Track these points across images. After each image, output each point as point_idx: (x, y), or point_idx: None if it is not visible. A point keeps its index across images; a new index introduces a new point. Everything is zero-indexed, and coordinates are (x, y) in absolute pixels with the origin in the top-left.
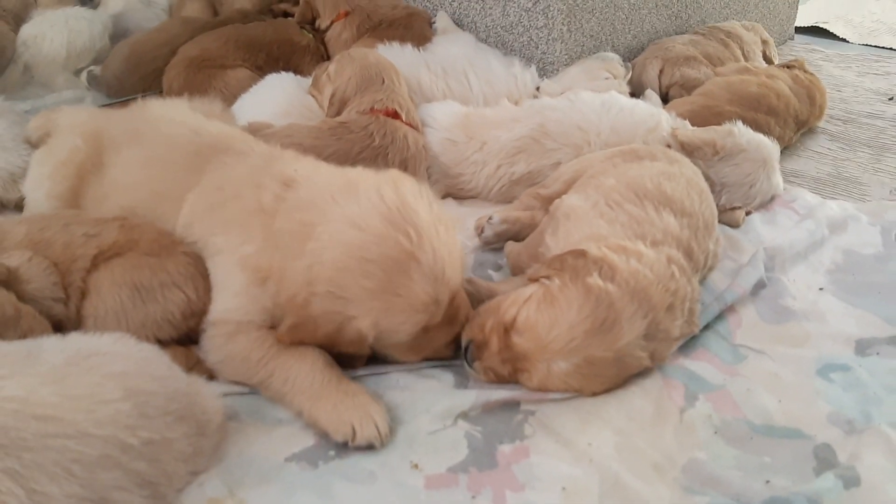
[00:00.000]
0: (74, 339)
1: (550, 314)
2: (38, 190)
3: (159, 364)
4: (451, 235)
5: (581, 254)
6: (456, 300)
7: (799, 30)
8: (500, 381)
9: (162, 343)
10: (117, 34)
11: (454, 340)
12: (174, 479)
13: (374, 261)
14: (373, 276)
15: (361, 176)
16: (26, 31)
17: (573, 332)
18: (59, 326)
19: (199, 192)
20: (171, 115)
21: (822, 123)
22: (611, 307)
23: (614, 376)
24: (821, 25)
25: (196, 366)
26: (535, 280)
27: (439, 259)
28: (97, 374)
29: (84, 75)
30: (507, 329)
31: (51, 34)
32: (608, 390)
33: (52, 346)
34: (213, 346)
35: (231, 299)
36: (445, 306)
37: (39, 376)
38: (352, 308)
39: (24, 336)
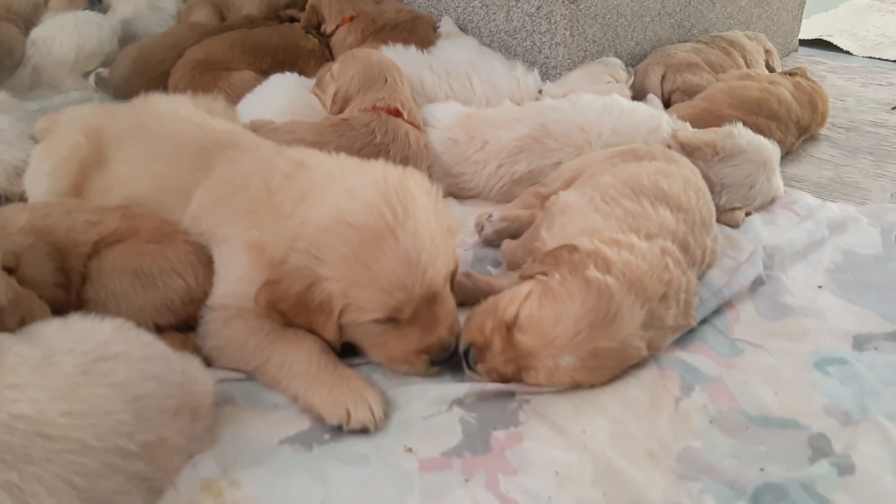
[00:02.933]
0: (78, 328)
1: (554, 309)
2: (39, 186)
3: (158, 362)
4: (444, 233)
5: (573, 248)
6: (437, 307)
7: (803, 42)
8: (503, 380)
9: (160, 328)
10: (126, 38)
11: (427, 352)
12: (170, 473)
13: (353, 227)
14: (348, 242)
15: (375, 163)
16: (36, 33)
17: (578, 325)
18: (60, 310)
19: (208, 186)
20: (175, 110)
21: (824, 131)
22: (611, 299)
23: (616, 367)
24: (825, 38)
25: (193, 352)
26: (528, 277)
27: (419, 245)
28: (104, 384)
29: (92, 77)
30: (509, 328)
31: (60, 37)
32: (608, 382)
33: (64, 348)
34: (210, 332)
35: (233, 285)
36: (416, 298)
37: (50, 390)
38: (324, 269)
39: (22, 320)
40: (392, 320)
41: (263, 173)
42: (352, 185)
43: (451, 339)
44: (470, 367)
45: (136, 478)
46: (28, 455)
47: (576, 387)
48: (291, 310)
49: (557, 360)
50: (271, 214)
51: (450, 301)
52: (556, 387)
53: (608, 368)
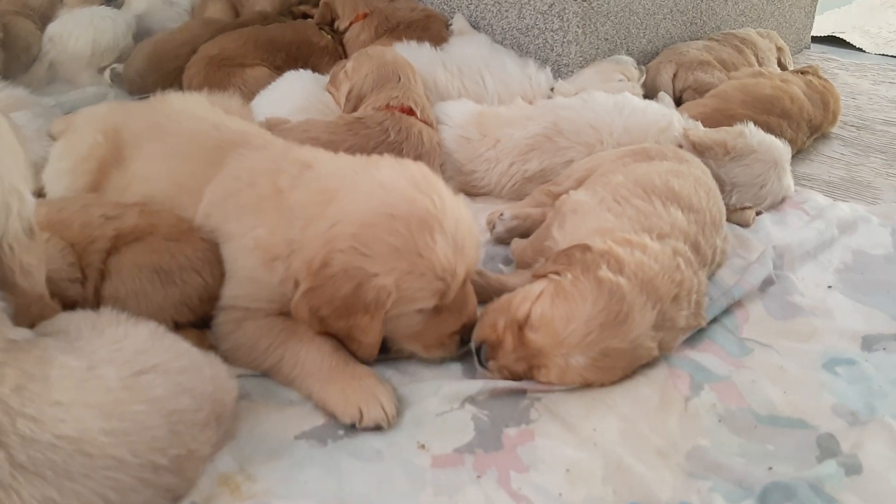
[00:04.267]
0: (112, 332)
1: (565, 309)
2: (59, 183)
3: (192, 374)
4: (470, 217)
5: (586, 248)
6: (466, 287)
7: (815, 39)
8: (515, 378)
9: (179, 325)
10: (140, 34)
11: (461, 332)
12: (195, 481)
13: (400, 218)
14: (398, 234)
15: (383, 158)
16: (52, 29)
17: (589, 325)
18: (73, 307)
19: (217, 183)
20: (191, 109)
21: (835, 129)
22: (623, 299)
23: (627, 367)
24: (837, 35)
25: (210, 349)
26: (541, 276)
27: (462, 228)
28: (144, 400)
29: (107, 73)
30: (521, 326)
31: (76, 32)
32: (619, 381)
33: (105, 357)
34: (222, 334)
35: (239, 285)
36: (461, 283)
37: (93, 408)
38: (374, 265)
39: (33, 322)
40: (434, 307)
41: (271, 171)
42: (381, 178)
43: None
44: (482, 364)
45: (164, 489)
46: (68, 471)
47: (586, 386)
48: (334, 314)
49: (568, 360)
50: (281, 215)
51: (470, 283)
52: (566, 385)
53: (619, 368)
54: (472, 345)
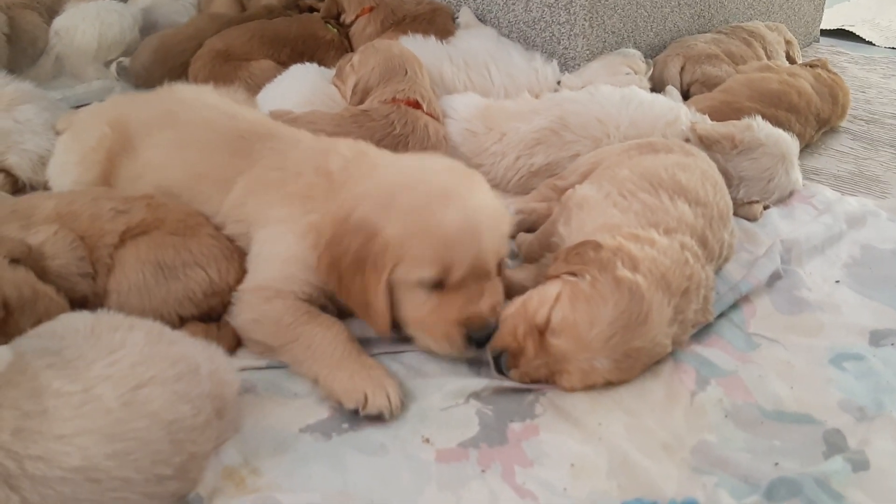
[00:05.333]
0: (108, 340)
1: (587, 312)
2: (66, 176)
3: (189, 380)
4: (500, 217)
5: (598, 245)
6: (483, 284)
7: (825, 32)
8: (536, 383)
9: (183, 320)
10: (146, 27)
11: (466, 324)
12: (198, 480)
13: (423, 186)
14: (416, 198)
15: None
16: (59, 22)
17: (613, 327)
18: (84, 302)
19: (255, 174)
20: (202, 99)
21: (844, 123)
22: (642, 298)
23: (644, 365)
24: (847, 28)
25: (214, 342)
26: (554, 277)
27: (480, 213)
28: (145, 415)
29: (114, 67)
30: (542, 332)
31: (83, 26)
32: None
33: (100, 374)
34: (247, 307)
35: (278, 267)
36: (468, 264)
37: (95, 434)
38: (385, 220)
39: (39, 319)
40: (439, 285)
41: (318, 159)
42: (423, 160)
43: (492, 320)
44: (501, 372)
45: (169, 494)
46: (77, 499)
47: (607, 385)
48: (349, 269)
49: (592, 363)
50: (332, 196)
51: (497, 284)
52: (588, 388)
53: (638, 367)
54: (490, 353)
